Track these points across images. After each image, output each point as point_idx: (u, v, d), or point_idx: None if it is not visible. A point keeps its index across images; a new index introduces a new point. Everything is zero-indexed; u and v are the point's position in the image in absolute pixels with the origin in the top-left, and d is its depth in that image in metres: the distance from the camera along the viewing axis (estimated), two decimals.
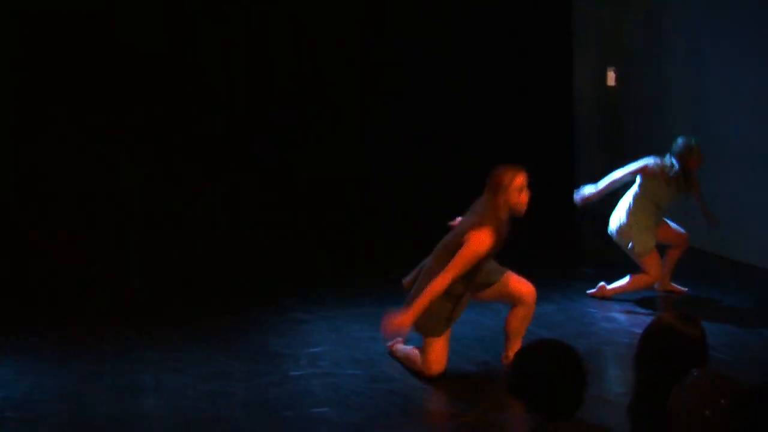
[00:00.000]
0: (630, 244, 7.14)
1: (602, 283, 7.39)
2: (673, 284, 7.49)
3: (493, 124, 10.10)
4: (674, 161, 7.09)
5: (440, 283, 5.48)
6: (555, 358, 2.94)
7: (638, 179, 7.21)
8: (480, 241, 5.45)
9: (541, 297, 6.28)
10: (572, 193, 7.48)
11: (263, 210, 9.58)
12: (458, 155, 9.96)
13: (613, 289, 7.33)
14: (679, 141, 7.20)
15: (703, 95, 9.00)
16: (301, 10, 9.67)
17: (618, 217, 7.26)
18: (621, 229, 7.19)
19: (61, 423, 5.26)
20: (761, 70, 8.33)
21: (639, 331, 3.37)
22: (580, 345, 6.10)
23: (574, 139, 10.67)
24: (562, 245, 9.31)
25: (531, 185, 5.63)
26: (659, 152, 7.25)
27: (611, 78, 10.54)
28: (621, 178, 7.24)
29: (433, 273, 5.56)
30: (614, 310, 7.15)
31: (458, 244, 5.50)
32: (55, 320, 7.39)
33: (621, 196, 7.39)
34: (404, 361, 5.93)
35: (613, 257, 7.66)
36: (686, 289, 7.50)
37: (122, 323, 7.27)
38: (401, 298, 6.18)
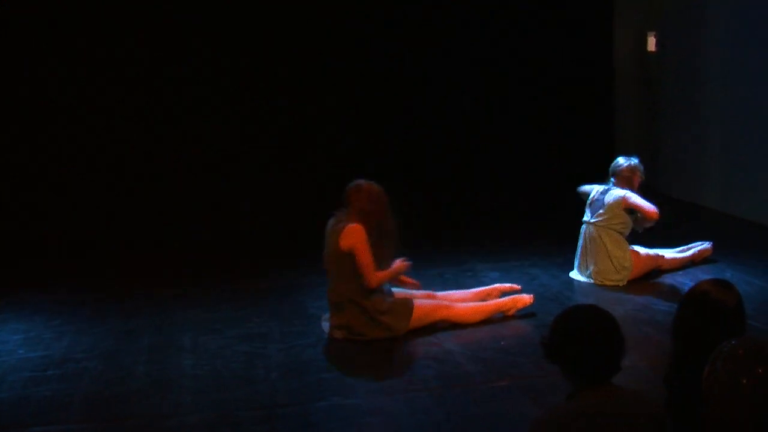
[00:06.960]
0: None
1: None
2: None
3: (533, 89, 10.03)
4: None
5: None
6: (593, 322, 2.92)
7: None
8: None
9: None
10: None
11: (294, 172, 9.57)
12: (505, 121, 9.93)
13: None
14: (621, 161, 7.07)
15: (738, 58, 8.87)
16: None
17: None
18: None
19: (100, 380, 5.32)
20: None
21: (676, 299, 3.34)
22: (617, 312, 6.09)
23: (614, 104, 10.53)
24: None
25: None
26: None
27: (651, 43, 10.39)
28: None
29: None
30: (653, 276, 7.09)
31: None
32: (91, 281, 7.50)
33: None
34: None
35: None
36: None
37: (158, 284, 7.34)
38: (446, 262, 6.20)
